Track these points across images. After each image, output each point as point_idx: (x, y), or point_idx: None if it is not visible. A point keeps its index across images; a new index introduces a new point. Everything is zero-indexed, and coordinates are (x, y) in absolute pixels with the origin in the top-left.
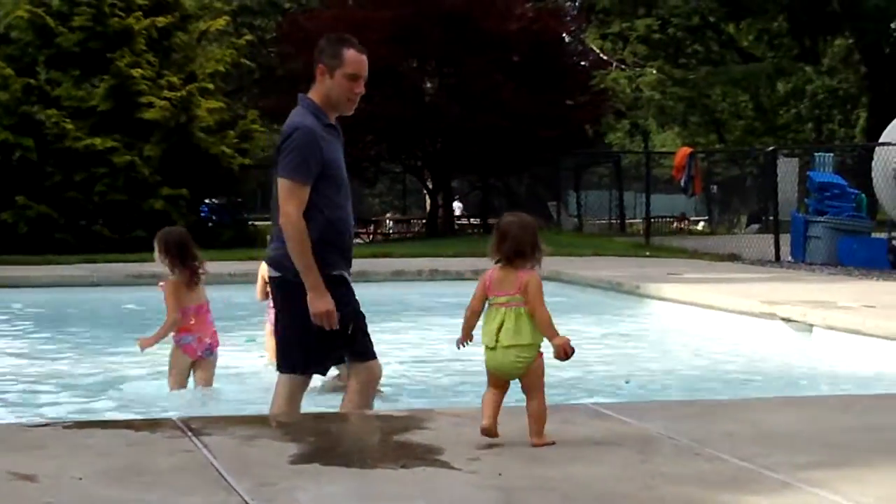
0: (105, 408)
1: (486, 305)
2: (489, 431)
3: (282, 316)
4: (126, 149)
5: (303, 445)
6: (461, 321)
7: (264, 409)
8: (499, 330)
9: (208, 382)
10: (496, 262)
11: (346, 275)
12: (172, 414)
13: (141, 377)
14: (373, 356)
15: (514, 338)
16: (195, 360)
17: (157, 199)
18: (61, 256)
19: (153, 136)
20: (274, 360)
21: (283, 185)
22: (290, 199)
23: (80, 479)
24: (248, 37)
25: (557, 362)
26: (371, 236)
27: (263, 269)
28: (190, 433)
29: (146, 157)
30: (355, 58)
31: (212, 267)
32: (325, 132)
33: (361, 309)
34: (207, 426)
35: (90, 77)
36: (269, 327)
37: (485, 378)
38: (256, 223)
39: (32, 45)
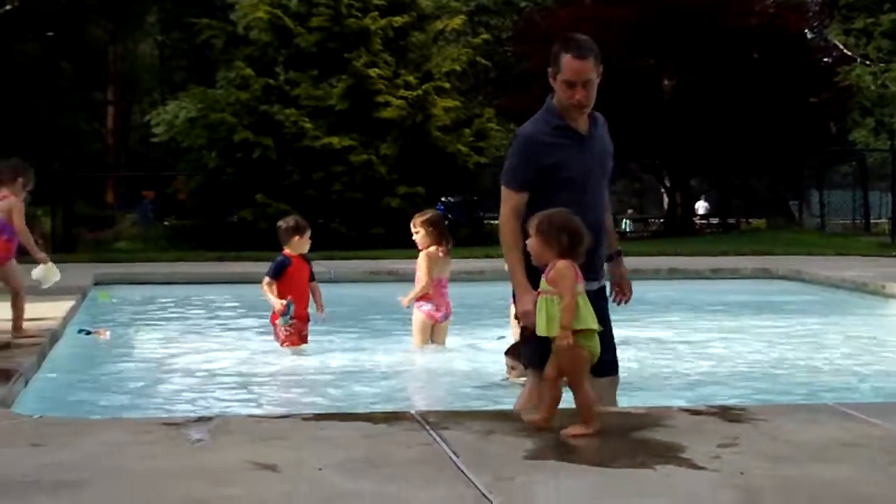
0: (342, 401)
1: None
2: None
3: None
4: (363, 147)
5: (539, 441)
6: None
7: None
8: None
9: (442, 343)
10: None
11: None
12: (410, 408)
13: (377, 371)
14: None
15: None
16: (433, 324)
17: (393, 198)
18: None
19: (390, 134)
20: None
21: (502, 188)
22: (504, 203)
23: (320, 469)
24: (485, 36)
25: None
26: None
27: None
28: (428, 427)
29: (383, 155)
30: (570, 64)
31: None
32: (553, 136)
33: None
34: (445, 420)
35: (328, 77)
36: None
37: None
38: (493, 221)
39: (271, 46)
